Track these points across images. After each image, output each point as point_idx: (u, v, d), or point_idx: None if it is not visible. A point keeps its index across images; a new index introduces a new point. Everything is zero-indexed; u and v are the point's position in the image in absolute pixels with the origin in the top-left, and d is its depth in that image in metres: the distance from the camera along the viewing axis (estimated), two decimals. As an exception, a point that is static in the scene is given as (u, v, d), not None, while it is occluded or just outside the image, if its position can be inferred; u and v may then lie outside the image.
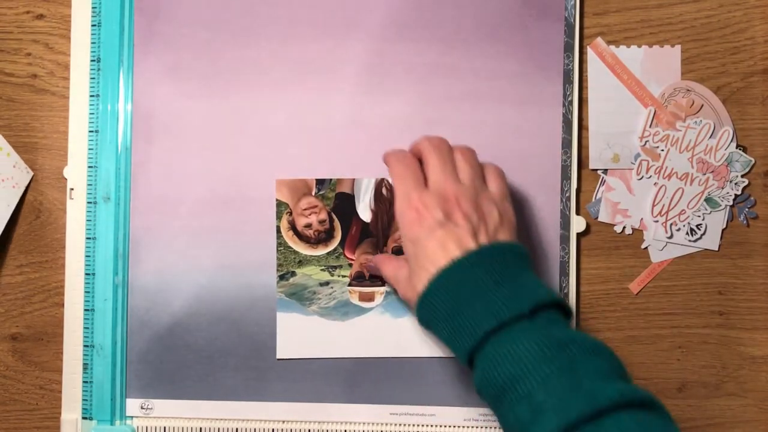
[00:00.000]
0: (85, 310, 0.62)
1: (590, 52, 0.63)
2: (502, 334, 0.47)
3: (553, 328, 0.47)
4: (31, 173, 0.62)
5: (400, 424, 0.62)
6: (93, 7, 0.62)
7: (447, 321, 0.49)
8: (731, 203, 0.63)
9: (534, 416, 0.44)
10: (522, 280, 0.49)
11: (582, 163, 0.63)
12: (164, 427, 0.62)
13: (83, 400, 0.63)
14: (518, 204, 0.62)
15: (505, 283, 0.48)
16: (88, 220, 0.62)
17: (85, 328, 0.62)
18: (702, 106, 0.63)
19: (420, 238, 0.51)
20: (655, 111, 0.63)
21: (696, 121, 0.63)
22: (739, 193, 0.63)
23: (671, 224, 0.63)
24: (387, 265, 0.57)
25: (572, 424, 0.43)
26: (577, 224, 0.63)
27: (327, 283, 0.62)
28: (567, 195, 0.62)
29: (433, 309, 0.50)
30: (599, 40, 0.63)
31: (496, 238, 0.52)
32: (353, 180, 0.62)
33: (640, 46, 0.63)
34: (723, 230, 0.64)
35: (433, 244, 0.50)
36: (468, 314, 0.48)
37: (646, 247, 0.64)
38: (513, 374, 0.45)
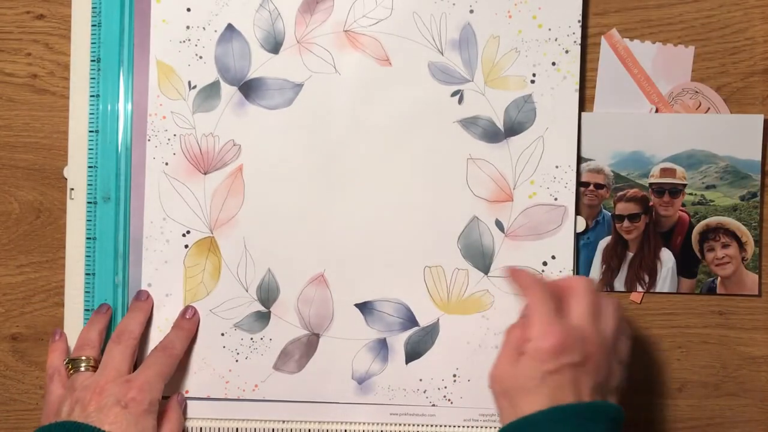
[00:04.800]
0: (85, 310, 0.62)
1: (603, 43, 0.63)
2: None
3: None
4: None
5: (400, 424, 0.62)
6: (93, 7, 0.62)
7: None
8: (731, 203, 0.64)
9: None
10: None
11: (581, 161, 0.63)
12: (164, 427, 0.62)
13: (83, 400, 0.63)
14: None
15: None
16: (88, 220, 0.62)
17: (85, 328, 0.63)
18: (708, 109, 0.63)
19: (549, 367, 0.50)
20: (656, 109, 0.63)
21: (696, 121, 0.63)
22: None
23: (671, 224, 0.64)
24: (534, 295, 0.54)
25: None
26: (578, 224, 0.63)
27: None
28: (567, 195, 0.63)
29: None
30: (614, 31, 0.63)
31: (607, 398, 0.52)
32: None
33: (654, 42, 0.63)
34: (723, 230, 0.64)
35: (558, 379, 0.50)
36: None
37: (646, 247, 0.64)
38: None
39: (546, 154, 0.61)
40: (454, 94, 0.61)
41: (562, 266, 0.61)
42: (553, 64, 0.61)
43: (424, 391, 0.62)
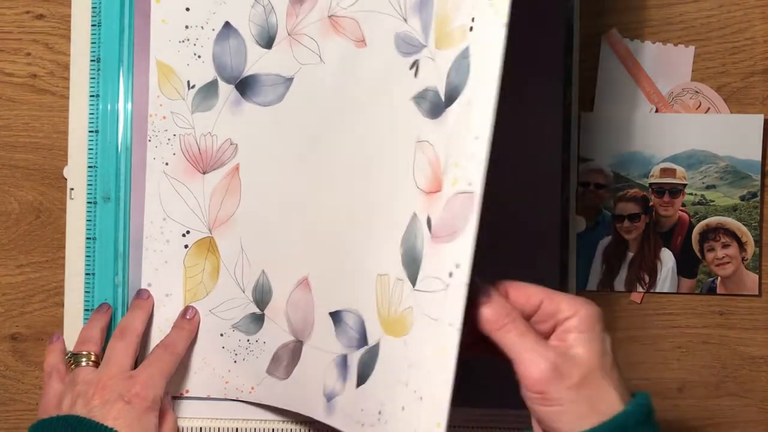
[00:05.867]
0: (85, 310, 0.62)
1: (603, 43, 0.63)
2: None
3: None
4: None
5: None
6: (93, 7, 0.62)
7: None
8: (731, 203, 0.64)
9: None
10: None
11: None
12: (164, 427, 0.62)
13: (83, 400, 0.63)
14: (518, 204, 0.62)
15: None
16: (88, 220, 0.62)
17: (85, 328, 0.63)
18: (708, 109, 0.63)
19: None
20: (656, 109, 0.63)
21: (696, 121, 0.63)
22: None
23: (671, 224, 0.64)
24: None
25: None
26: (578, 224, 0.63)
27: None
28: (566, 195, 0.62)
29: None
30: (614, 31, 0.63)
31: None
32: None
33: (654, 42, 0.63)
34: (723, 230, 0.64)
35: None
36: None
37: (646, 247, 0.64)
38: None
39: (471, 122, 0.45)
40: (412, 66, 0.52)
41: (459, 280, 0.44)
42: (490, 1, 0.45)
43: (362, 425, 0.52)
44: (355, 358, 0.54)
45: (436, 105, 0.49)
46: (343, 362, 0.55)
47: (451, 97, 0.47)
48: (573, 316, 0.45)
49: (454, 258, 0.44)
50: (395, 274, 0.50)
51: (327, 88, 0.58)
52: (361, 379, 0.52)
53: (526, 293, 0.46)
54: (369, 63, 0.56)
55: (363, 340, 0.53)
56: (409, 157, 0.50)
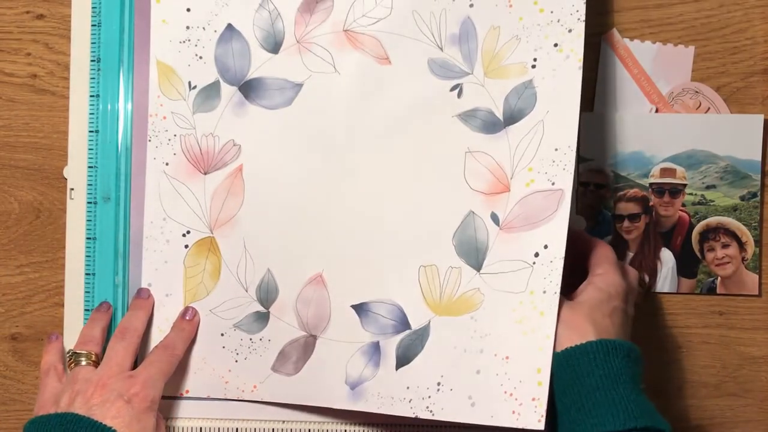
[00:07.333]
0: (85, 310, 0.62)
1: (603, 43, 0.63)
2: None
3: None
4: None
5: (400, 425, 0.62)
6: (93, 7, 0.62)
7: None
8: (731, 203, 0.64)
9: None
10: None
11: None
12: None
13: (83, 400, 0.63)
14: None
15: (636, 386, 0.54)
16: (88, 220, 0.62)
17: (85, 328, 0.63)
18: (708, 109, 0.63)
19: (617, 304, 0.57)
20: (656, 109, 0.63)
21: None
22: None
23: (671, 224, 0.64)
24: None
25: None
26: (578, 224, 0.63)
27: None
28: (567, 195, 0.64)
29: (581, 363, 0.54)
30: (614, 31, 0.63)
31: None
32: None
33: (654, 42, 0.63)
34: (723, 230, 0.64)
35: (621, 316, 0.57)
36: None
37: (646, 247, 0.64)
38: None
39: (546, 137, 0.58)
40: (453, 88, 0.59)
41: (553, 256, 0.57)
42: (555, 45, 0.58)
43: (410, 401, 0.59)
44: (391, 343, 0.60)
45: (491, 123, 0.59)
46: (374, 349, 0.60)
47: (513, 117, 0.58)
48: (603, 274, 0.57)
49: (539, 241, 0.57)
50: (447, 264, 0.59)
51: (344, 97, 0.60)
52: (404, 361, 0.59)
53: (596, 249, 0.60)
54: (398, 81, 0.60)
55: (402, 325, 0.60)
56: (457, 165, 0.59)
